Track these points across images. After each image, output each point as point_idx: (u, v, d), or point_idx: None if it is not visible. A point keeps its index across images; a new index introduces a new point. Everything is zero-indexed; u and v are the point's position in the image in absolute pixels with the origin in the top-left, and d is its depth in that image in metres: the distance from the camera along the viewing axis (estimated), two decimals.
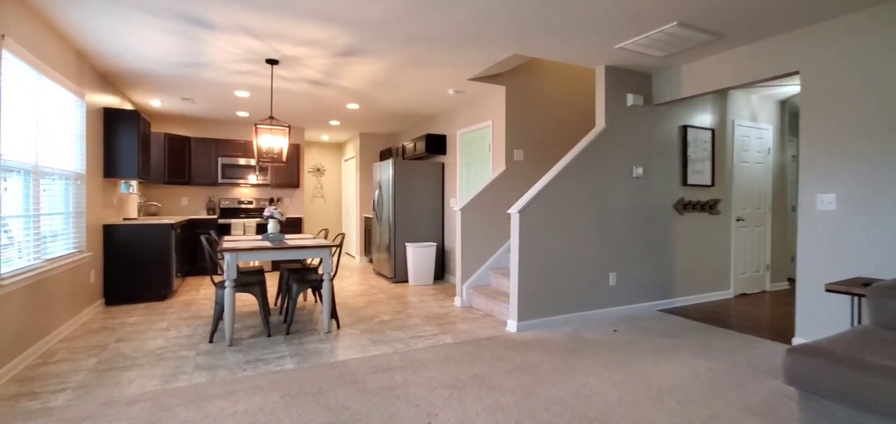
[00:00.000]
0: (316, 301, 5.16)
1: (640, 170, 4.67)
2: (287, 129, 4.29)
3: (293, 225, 7.57)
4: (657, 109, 4.84)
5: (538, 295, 4.10)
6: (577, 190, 4.29)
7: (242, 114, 6.94)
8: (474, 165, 6.01)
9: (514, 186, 5.36)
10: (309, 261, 5.23)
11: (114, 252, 4.93)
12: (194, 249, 6.84)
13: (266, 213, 4.28)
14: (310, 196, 10.14)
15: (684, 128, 5.03)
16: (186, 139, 7.02)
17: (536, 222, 4.07)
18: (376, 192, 7.01)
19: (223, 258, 3.53)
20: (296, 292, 3.89)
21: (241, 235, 7.02)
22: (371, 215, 8.26)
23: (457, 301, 5.11)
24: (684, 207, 5.02)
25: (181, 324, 4.18)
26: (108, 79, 4.99)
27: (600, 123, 4.53)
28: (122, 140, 4.98)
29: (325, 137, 9.38)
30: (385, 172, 6.68)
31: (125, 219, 5.39)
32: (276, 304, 5.01)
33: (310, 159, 10.14)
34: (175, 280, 5.47)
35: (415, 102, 6.18)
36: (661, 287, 4.90)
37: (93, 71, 4.57)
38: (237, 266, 3.98)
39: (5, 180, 2.90)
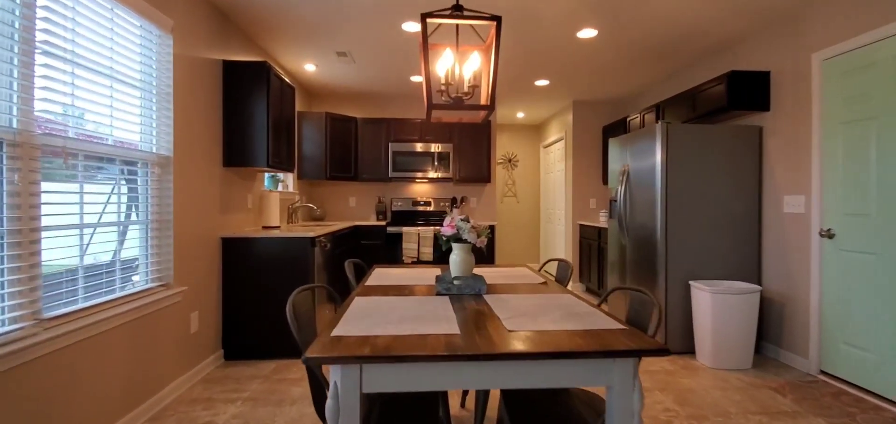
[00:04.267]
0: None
1: None
2: (493, 26, 1.79)
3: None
4: None
5: None
6: None
7: (417, 78, 4.92)
8: (884, 118, 2.62)
9: None
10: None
11: (236, 280, 3.27)
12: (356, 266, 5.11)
13: (444, 230, 1.89)
14: (498, 196, 7.85)
15: None
16: (351, 121, 5.36)
17: None
18: (619, 188, 4.13)
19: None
20: None
21: (414, 253, 5.01)
22: (592, 224, 5.41)
23: None
24: None
25: None
26: (231, 18, 3.36)
27: None
28: (245, 108, 3.29)
29: (520, 115, 6.93)
30: (642, 150, 3.75)
31: (265, 228, 3.79)
32: (464, 405, 2.62)
33: (498, 148, 7.84)
34: (327, 312, 3.66)
35: (711, 3, 3.11)
36: None
37: None
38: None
39: None
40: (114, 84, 2.29)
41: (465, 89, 1.88)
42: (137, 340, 2.35)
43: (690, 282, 3.39)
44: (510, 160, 7.79)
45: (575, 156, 5.97)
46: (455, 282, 1.85)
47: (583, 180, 5.97)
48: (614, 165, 4.28)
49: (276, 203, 3.88)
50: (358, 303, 1.69)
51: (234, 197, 3.45)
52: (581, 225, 5.86)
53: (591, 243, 5.51)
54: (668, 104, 4.31)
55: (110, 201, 2.27)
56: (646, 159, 3.67)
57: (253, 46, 3.80)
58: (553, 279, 2.36)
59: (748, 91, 3.49)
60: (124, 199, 2.38)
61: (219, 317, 3.23)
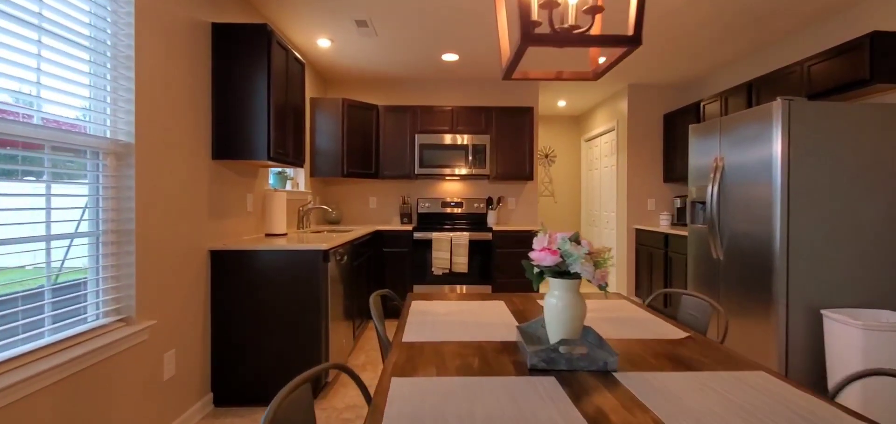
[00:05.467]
0: None
1: None
2: None
3: (522, 244, 4.49)
4: None
5: None
6: None
7: (450, 57, 4.16)
8: None
9: None
10: None
11: (229, 304, 2.56)
12: (380, 277, 4.38)
13: (539, 258, 1.11)
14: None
15: None
16: (372, 109, 4.63)
17: None
18: (709, 187, 3.30)
19: None
20: None
21: (446, 264, 4.27)
22: (653, 229, 4.57)
23: None
24: None
25: None
26: None
27: None
28: (240, 85, 2.58)
29: (561, 104, 6.11)
30: (747, 137, 2.91)
31: (268, 235, 3.09)
32: None
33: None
34: (343, 341, 2.93)
35: None
36: None
37: None
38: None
39: None
40: (43, 38, 1.59)
41: (572, 21, 1.11)
42: (80, 402, 1.64)
43: (823, 311, 2.54)
44: (547, 156, 6.96)
45: (630, 149, 5.13)
46: (561, 350, 1.08)
47: (639, 178, 5.13)
48: (699, 158, 3.43)
49: (282, 205, 3.16)
50: (398, 393, 0.94)
51: (227, 198, 2.75)
52: (638, 230, 5.02)
53: (651, 251, 4.66)
54: (765, 83, 3.45)
55: (37, 205, 1.57)
56: (754, 150, 2.83)
57: (253, 12, 3.08)
58: (659, 316, 1.57)
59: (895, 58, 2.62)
60: (62, 201, 1.67)
61: (206, 353, 2.52)
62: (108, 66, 1.88)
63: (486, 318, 1.58)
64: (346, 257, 3.11)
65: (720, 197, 3.16)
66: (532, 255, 1.16)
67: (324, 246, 2.59)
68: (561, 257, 1.12)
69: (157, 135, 2.08)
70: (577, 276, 1.12)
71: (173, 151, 2.19)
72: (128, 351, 1.90)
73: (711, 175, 3.23)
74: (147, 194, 2.00)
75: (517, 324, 1.38)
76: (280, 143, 2.72)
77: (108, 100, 1.88)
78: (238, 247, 2.54)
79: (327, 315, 2.68)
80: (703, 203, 3.38)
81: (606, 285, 1.13)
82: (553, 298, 1.16)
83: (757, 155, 2.81)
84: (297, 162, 3.06)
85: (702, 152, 3.40)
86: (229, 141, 2.57)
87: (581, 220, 6.93)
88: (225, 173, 2.70)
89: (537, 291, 1.12)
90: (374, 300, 1.57)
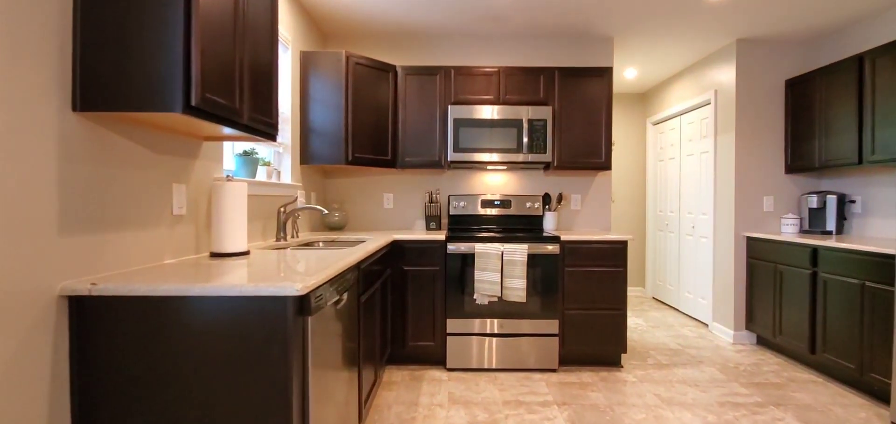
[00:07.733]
0: None
1: None
2: None
3: (601, 260, 3.14)
4: None
5: None
6: None
7: None
8: None
9: None
10: None
11: (108, 404, 1.27)
12: (399, 309, 3.08)
13: None
14: None
15: None
16: (388, 71, 3.33)
17: None
18: None
19: None
20: None
21: (494, 289, 2.97)
22: (779, 239, 3.19)
23: None
24: None
25: None
26: None
27: None
28: None
29: (629, 74, 4.75)
30: None
31: (215, 255, 1.80)
32: None
33: None
34: (348, 408, 1.64)
35: None
36: None
37: None
38: None
39: None
40: None
41: None
42: None
43: None
44: None
45: (738, 130, 3.75)
46: None
47: (751, 169, 3.75)
48: None
49: (240, 203, 1.87)
50: None
51: (122, 190, 1.46)
52: (750, 239, 3.64)
53: (779, 269, 3.28)
54: None
55: None
56: None
57: None
58: None
59: None
60: None
61: None
62: None
63: None
64: (345, 297, 1.80)
65: None
66: None
67: (297, 288, 1.28)
68: None
69: None
70: None
71: None
72: None
73: None
74: None
75: None
76: (216, 82, 1.42)
77: None
78: (126, 288, 1.25)
79: (305, 414, 1.38)
80: None
81: None
82: None
83: None
84: (262, 129, 1.76)
85: None
86: (108, 75, 1.28)
87: (646, 225, 5.55)
88: (115, 143, 1.42)
89: None
90: None
